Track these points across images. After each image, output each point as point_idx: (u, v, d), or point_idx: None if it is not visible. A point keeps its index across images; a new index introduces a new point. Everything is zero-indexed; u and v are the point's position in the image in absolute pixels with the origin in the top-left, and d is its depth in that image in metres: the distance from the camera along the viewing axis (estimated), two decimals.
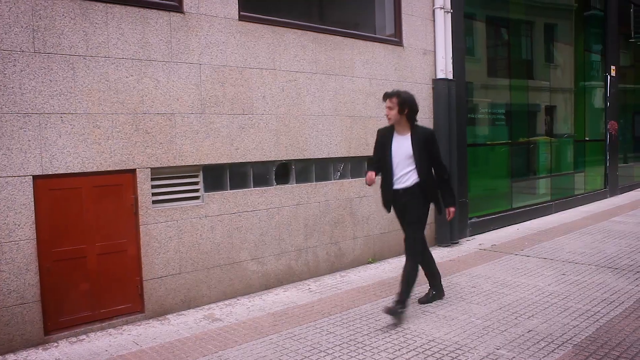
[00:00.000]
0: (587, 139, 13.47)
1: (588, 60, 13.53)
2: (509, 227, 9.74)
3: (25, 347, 4.61)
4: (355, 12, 8.11)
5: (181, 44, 5.46)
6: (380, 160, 5.23)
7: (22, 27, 4.51)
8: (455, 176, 8.30)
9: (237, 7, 5.84)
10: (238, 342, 4.59)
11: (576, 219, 10.46)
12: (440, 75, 8.13)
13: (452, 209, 5.28)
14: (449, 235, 8.26)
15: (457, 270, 6.70)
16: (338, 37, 6.90)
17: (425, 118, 8.01)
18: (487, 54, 10.57)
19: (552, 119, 12.44)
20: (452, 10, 8.30)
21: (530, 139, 11.50)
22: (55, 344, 4.70)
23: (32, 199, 4.62)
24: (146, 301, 5.27)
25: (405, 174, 5.07)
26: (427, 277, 5.52)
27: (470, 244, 8.33)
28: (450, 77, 8.25)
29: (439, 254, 7.63)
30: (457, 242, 8.40)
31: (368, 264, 7.25)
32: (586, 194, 12.75)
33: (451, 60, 8.28)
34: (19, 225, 4.56)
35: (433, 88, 8.13)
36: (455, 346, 4.35)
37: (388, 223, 7.51)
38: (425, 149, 5.06)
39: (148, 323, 5.19)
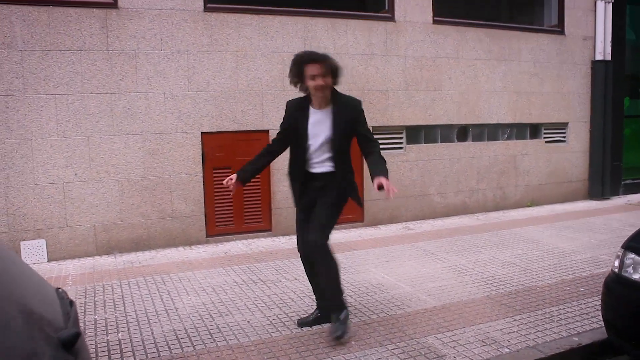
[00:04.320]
0: None
1: None
2: None
3: None
4: (526, 6, 9.56)
5: (393, 42, 7.53)
6: (280, 142, 3.94)
7: (299, 37, 6.91)
8: (609, 143, 9.42)
9: (432, 14, 7.72)
10: (424, 240, 6.62)
11: None
12: (599, 57, 9.19)
13: (382, 180, 3.46)
14: (601, 192, 9.39)
15: (597, 215, 7.97)
16: (508, 30, 8.43)
17: (583, 93, 9.24)
18: None
19: None
20: (612, 0, 9.33)
21: None
22: None
23: None
24: (365, 214, 7.50)
25: (323, 161, 3.77)
26: (315, 292, 4.09)
27: (619, 200, 9.33)
28: (609, 58, 9.24)
29: (589, 205, 8.90)
30: (608, 198, 9.44)
31: (527, 207, 8.79)
32: None
33: (610, 44, 9.29)
34: None
35: (592, 68, 9.23)
36: (570, 251, 5.93)
37: (546, 177, 8.97)
38: (352, 127, 3.76)
39: (366, 229, 7.41)
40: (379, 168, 3.60)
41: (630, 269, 3.27)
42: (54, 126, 5.95)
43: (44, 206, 5.99)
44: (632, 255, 3.30)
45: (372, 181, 3.56)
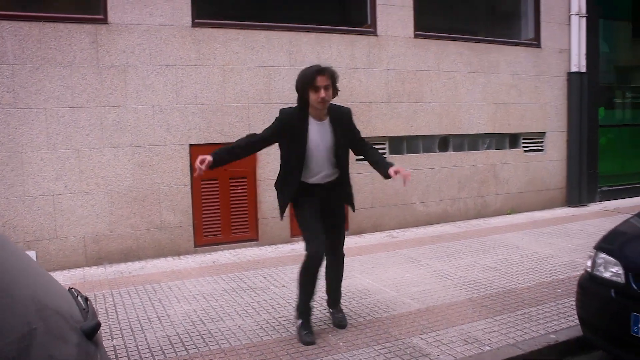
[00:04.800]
0: None
1: None
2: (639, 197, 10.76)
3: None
4: (504, 21, 9.87)
5: (375, 56, 7.75)
6: (265, 143, 4.00)
7: (284, 52, 7.10)
8: (585, 151, 9.72)
9: (413, 29, 7.96)
10: (408, 247, 6.79)
11: None
12: (574, 69, 9.50)
13: (398, 167, 3.80)
14: (578, 199, 9.66)
15: (574, 221, 8.23)
16: (487, 44, 8.71)
17: (559, 104, 9.54)
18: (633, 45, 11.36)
19: None
20: (587, 15, 9.65)
21: None
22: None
23: None
24: (350, 223, 7.64)
25: (327, 170, 3.95)
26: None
27: (596, 207, 9.59)
28: (584, 70, 9.53)
29: (567, 212, 9.16)
30: (585, 205, 9.71)
31: (507, 214, 9.02)
32: None
33: (585, 56, 9.60)
34: None
35: (567, 80, 9.54)
36: (548, 256, 6.17)
37: (525, 185, 9.22)
38: (347, 135, 3.99)
39: (351, 237, 7.48)
40: (388, 162, 3.96)
41: (601, 268, 3.47)
42: (44, 139, 6.04)
43: (34, 218, 6.06)
44: (603, 255, 3.50)
45: (386, 171, 3.83)
